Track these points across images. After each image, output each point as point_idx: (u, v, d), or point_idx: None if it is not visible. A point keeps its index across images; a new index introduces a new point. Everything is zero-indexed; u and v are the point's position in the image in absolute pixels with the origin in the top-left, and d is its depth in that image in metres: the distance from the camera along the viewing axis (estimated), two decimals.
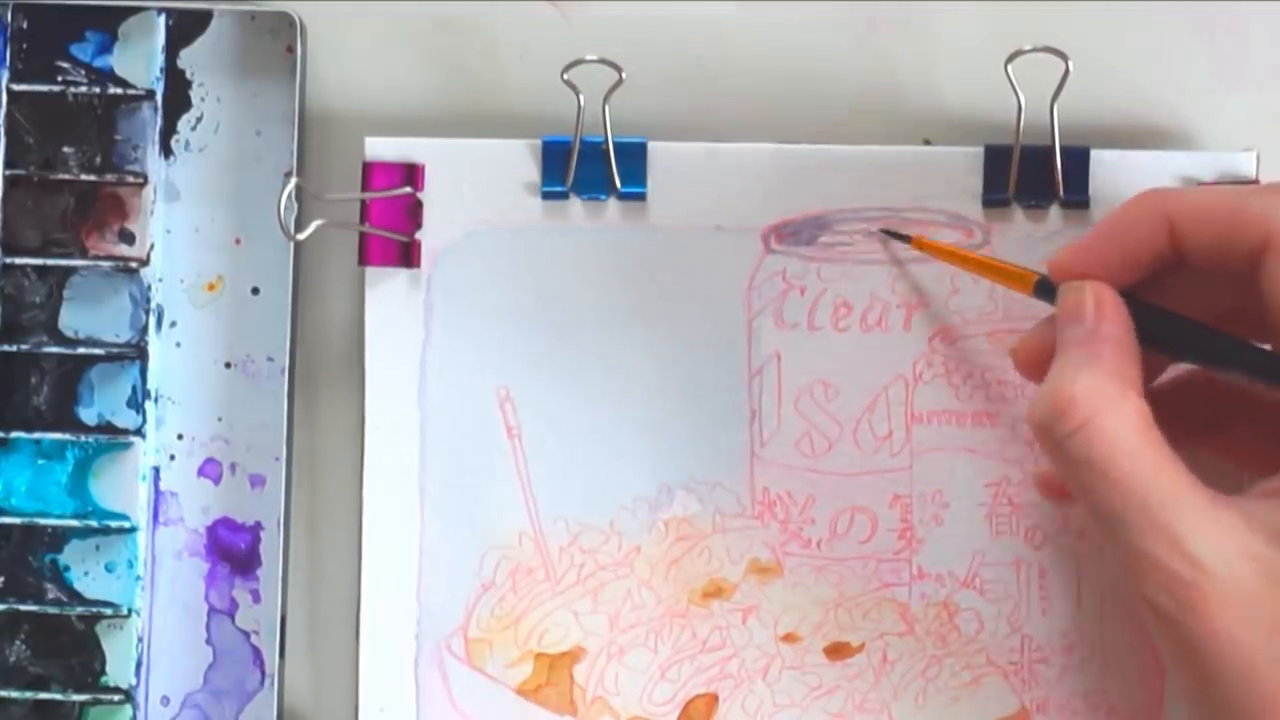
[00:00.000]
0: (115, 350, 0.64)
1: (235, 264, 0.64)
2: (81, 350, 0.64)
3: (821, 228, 0.63)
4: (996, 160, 0.62)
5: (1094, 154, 0.62)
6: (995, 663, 0.62)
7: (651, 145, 0.63)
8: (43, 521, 0.63)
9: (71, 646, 0.64)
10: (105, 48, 0.64)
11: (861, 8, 0.64)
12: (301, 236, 0.59)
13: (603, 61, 0.62)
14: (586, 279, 0.63)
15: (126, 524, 0.63)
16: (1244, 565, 0.51)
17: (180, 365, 0.64)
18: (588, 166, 0.63)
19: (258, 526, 0.64)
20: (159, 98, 0.64)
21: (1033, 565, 0.62)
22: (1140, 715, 0.62)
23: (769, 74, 0.64)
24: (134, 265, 0.64)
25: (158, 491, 0.64)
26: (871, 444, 0.63)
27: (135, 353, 0.64)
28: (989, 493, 0.62)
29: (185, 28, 0.64)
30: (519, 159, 0.63)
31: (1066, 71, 0.61)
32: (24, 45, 0.64)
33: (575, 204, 0.63)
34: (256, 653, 0.64)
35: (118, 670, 0.64)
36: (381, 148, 0.63)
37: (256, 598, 0.64)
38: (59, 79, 0.64)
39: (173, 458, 0.64)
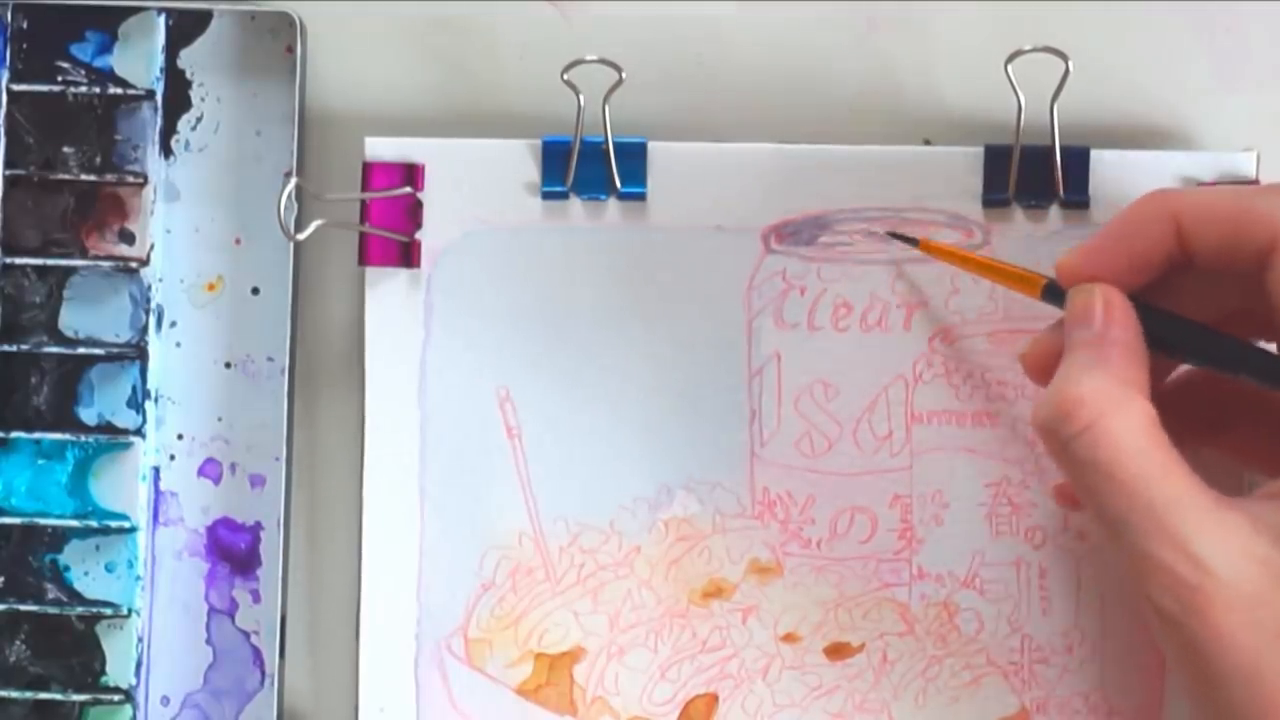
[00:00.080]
0: (115, 350, 0.64)
1: (235, 264, 0.64)
2: (81, 350, 0.64)
3: (821, 228, 0.63)
4: (996, 160, 0.62)
5: (1094, 154, 0.62)
6: (995, 663, 0.62)
7: (651, 145, 0.63)
8: (43, 521, 0.63)
9: (71, 646, 0.64)
10: (105, 48, 0.64)
11: (861, 8, 0.64)
12: (301, 236, 0.59)
13: (603, 61, 0.62)
14: (586, 279, 0.63)
15: (126, 524, 0.63)
16: (1249, 568, 0.51)
17: (180, 365, 0.64)
18: (588, 166, 0.63)
19: (258, 526, 0.64)
20: (159, 98, 0.64)
21: (1033, 565, 0.62)
22: (1141, 715, 0.62)
23: (769, 74, 0.64)
24: (134, 265, 0.64)
25: (158, 491, 0.64)
26: (871, 444, 0.63)
27: (135, 353, 0.64)
28: (989, 493, 0.62)
29: (185, 28, 0.64)
30: (519, 159, 0.63)
31: (1066, 71, 0.61)
32: (24, 45, 0.64)
33: (575, 204, 0.63)
34: (256, 653, 0.64)
35: (118, 670, 0.64)
36: (381, 148, 0.63)
37: (256, 598, 0.64)
38: (59, 79, 0.64)
39: (173, 458, 0.64)
